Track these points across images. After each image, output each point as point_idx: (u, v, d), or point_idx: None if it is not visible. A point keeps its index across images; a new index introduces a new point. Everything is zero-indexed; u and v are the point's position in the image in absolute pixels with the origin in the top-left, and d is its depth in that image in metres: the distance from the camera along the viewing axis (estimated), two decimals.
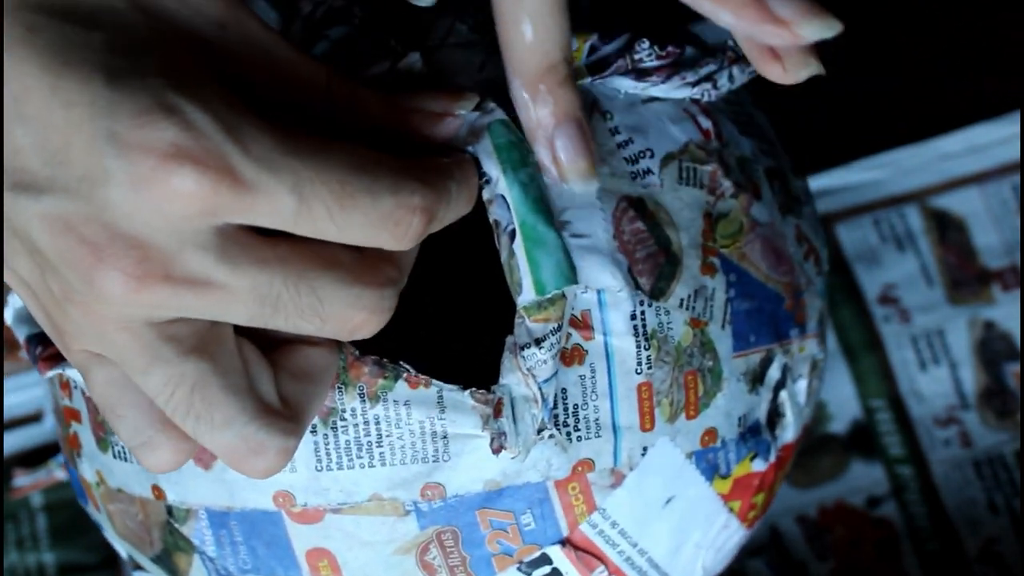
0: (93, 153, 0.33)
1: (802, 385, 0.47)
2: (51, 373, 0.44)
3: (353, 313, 0.36)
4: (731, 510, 0.46)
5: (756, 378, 0.45)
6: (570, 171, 0.41)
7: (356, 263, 0.36)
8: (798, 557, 0.62)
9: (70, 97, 0.33)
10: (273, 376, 0.37)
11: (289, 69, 0.37)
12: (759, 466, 0.46)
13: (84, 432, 0.45)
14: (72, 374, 0.44)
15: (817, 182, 0.65)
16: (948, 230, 0.66)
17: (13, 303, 0.47)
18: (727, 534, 0.46)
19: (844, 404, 0.64)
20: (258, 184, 0.33)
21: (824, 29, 0.36)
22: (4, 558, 0.62)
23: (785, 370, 0.46)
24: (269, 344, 0.38)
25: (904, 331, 0.65)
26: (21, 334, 0.46)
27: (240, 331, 0.37)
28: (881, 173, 0.66)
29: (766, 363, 0.45)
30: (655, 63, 0.43)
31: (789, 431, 0.47)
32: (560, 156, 0.40)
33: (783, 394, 0.46)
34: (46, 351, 0.45)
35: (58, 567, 0.62)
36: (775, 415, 0.46)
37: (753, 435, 0.45)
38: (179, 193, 0.33)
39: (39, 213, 0.34)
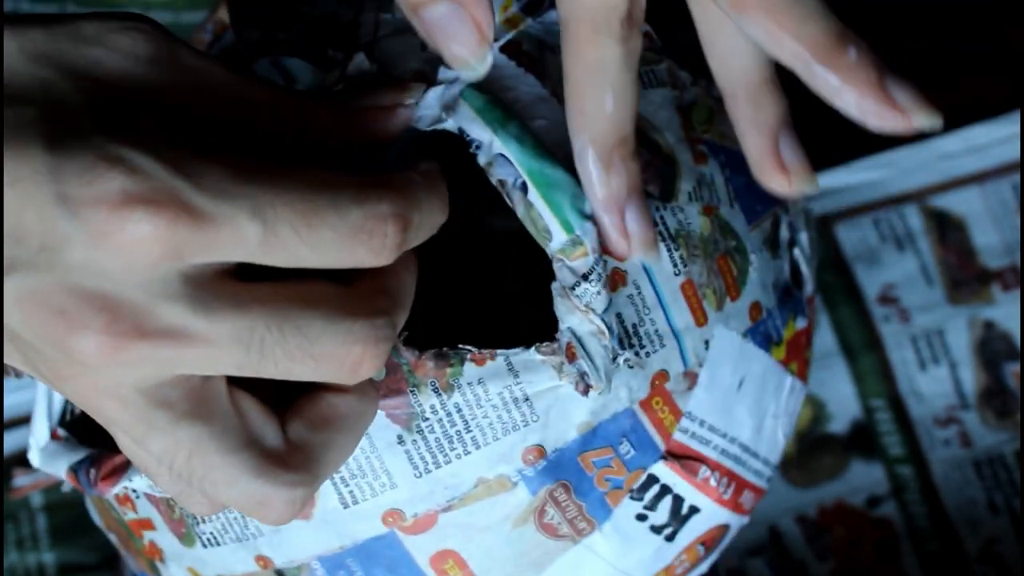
0: (47, 220, 0.32)
1: (804, 237, 0.48)
2: (115, 490, 0.43)
3: (346, 348, 0.35)
4: (792, 373, 0.47)
5: (773, 243, 0.46)
6: (639, 242, 0.41)
7: (342, 296, 0.36)
8: (798, 557, 0.62)
9: (14, 174, 0.32)
10: (279, 425, 0.37)
11: (231, 92, 0.36)
12: (801, 324, 0.47)
13: (162, 537, 0.45)
14: (136, 483, 0.43)
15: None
16: (948, 230, 0.66)
17: (36, 443, 0.45)
18: (795, 397, 0.47)
19: (844, 404, 0.64)
20: (216, 215, 0.33)
21: (931, 122, 0.37)
22: (4, 558, 0.62)
23: (791, 228, 0.47)
24: (294, 391, 0.37)
25: (904, 331, 0.65)
26: (59, 470, 0.44)
27: (248, 384, 0.36)
28: (881, 173, 0.66)
29: (775, 226, 0.46)
30: None
31: (809, 284, 0.48)
32: (631, 228, 0.40)
33: (796, 251, 0.47)
34: (100, 471, 0.43)
35: (58, 567, 0.62)
36: (796, 272, 0.47)
37: (788, 297, 0.46)
38: (137, 239, 0.32)
39: (7, 296, 0.33)
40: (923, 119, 0.37)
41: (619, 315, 0.41)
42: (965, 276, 0.65)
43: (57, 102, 0.33)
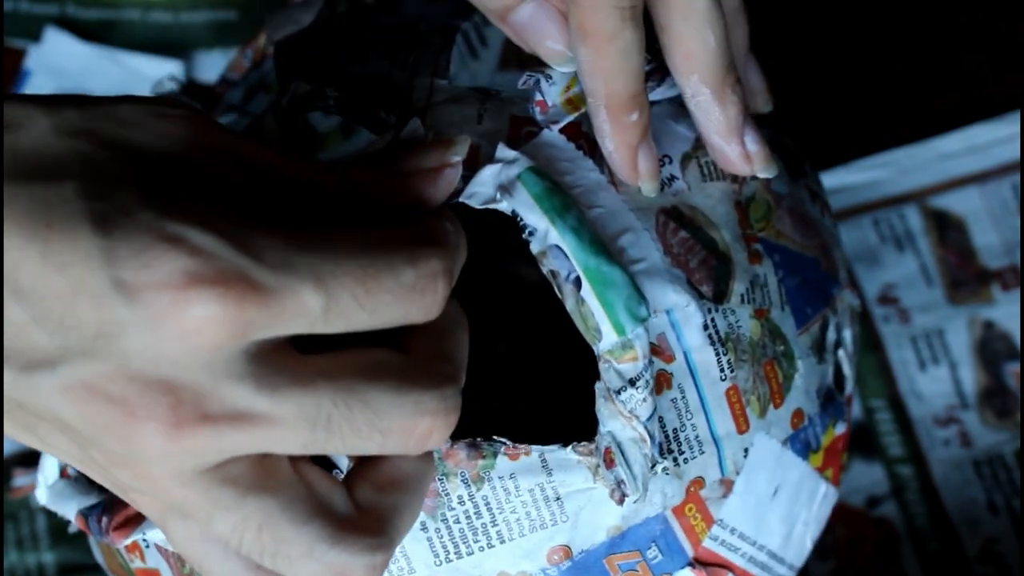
0: (102, 307, 0.31)
1: (848, 335, 0.47)
2: (127, 541, 0.42)
3: (415, 421, 0.34)
4: (827, 479, 0.46)
5: (820, 348, 0.45)
6: (759, 161, 0.42)
7: (405, 365, 0.34)
8: None
9: (63, 259, 0.31)
10: (347, 491, 0.35)
11: (273, 172, 0.35)
12: (840, 429, 0.46)
13: None
14: (151, 536, 0.42)
15: None
16: (948, 230, 0.66)
17: (44, 481, 0.44)
18: (827, 503, 0.47)
19: None
20: (281, 289, 0.32)
21: (766, 172, 0.43)
22: (4, 558, 0.62)
23: (837, 329, 0.46)
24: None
25: (904, 331, 0.65)
26: (69, 511, 0.43)
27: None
28: (881, 173, 0.66)
29: (824, 329, 0.45)
30: (649, 67, 0.42)
31: (849, 383, 0.47)
32: (752, 149, 0.42)
33: (840, 353, 0.46)
34: (114, 519, 0.42)
35: (58, 567, 0.62)
36: (839, 375, 0.47)
37: (830, 402, 0.45)
38: (205, 320, 0.31)
39: (59, 386, 0.32)
40: (761, 170, 0.42)
41: (661, 419, 0.40)
42: (965, 276, 0.65)
43: (97, 174, 0.32)
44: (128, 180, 0.32)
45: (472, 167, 0.40)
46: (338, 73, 0.44)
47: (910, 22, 0.68)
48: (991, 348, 0.64)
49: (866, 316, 0.65)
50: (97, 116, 0.33)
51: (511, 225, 0.41)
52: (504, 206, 0.40)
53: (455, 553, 0.40)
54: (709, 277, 0.41)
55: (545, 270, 0.40)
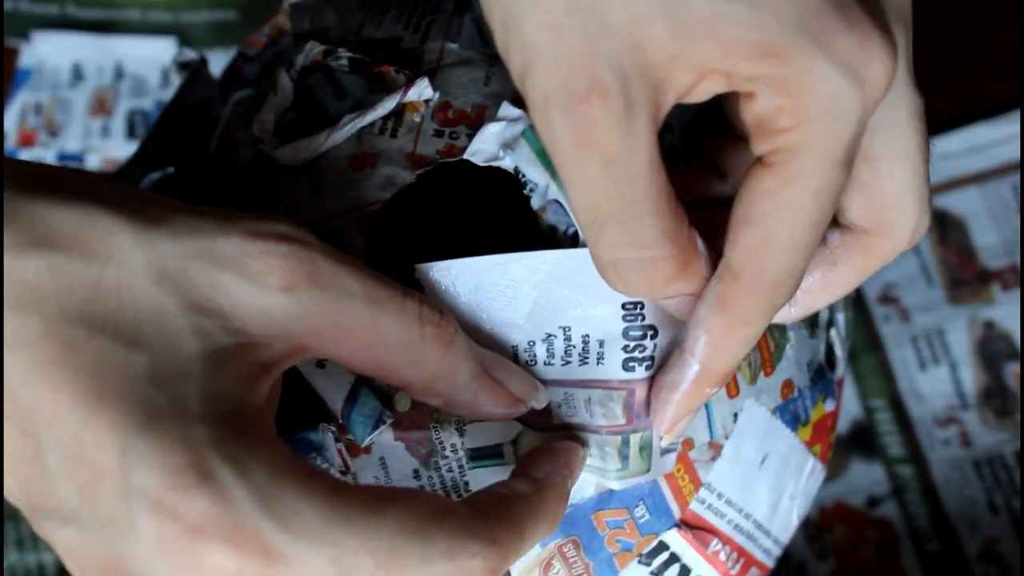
0: (121, 502, 0.30)
1: (841, 319, 0.48)
2: None
3: None
4: (815, 455, 0.46)
5: (812, 322, 0.46)
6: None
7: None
8: (798, 557, 0.62)
9: (102, 439, 0.30)
10: None
11: (365, 318, 0.34)
12: (830, 406, 0.47)
13: None
14: None
15: None
16: (948, 230, 0.66)
17: None
18: (814, 479, 0.47)
19: (844, 404, 0.64)
20: (292, 556, 0.31)
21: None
22: (4, 558, 0.62)
23: (830, 309, 0.47)
24: None
25: (904, 331, 0.65)
26: None
27: None
28: None
29: None
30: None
31: (841, 365, 0.48)
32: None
33: (832, 332, 0.47)
34: None
35: (58, 567, 0.62)
36: (830, 353, 0.47)
37: (820, 377, 0.46)
38: (206, 565, 0.30)
39: (61, 541, 0.31)
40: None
41: None
42: (965, 276, 0.65)
43: (170, 350, 0.31)
44: (195, 368, 0.31)
45: (477, 127, 0.41)
46: (352, 35, 0.44)
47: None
48: (991, 348, 0.64)
49: (866, 316, 0.65)
50: (193, 253, 0.32)
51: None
52: (507, 163, 0.40)
53: None
54: None
55: (544, 225, 0.40)
